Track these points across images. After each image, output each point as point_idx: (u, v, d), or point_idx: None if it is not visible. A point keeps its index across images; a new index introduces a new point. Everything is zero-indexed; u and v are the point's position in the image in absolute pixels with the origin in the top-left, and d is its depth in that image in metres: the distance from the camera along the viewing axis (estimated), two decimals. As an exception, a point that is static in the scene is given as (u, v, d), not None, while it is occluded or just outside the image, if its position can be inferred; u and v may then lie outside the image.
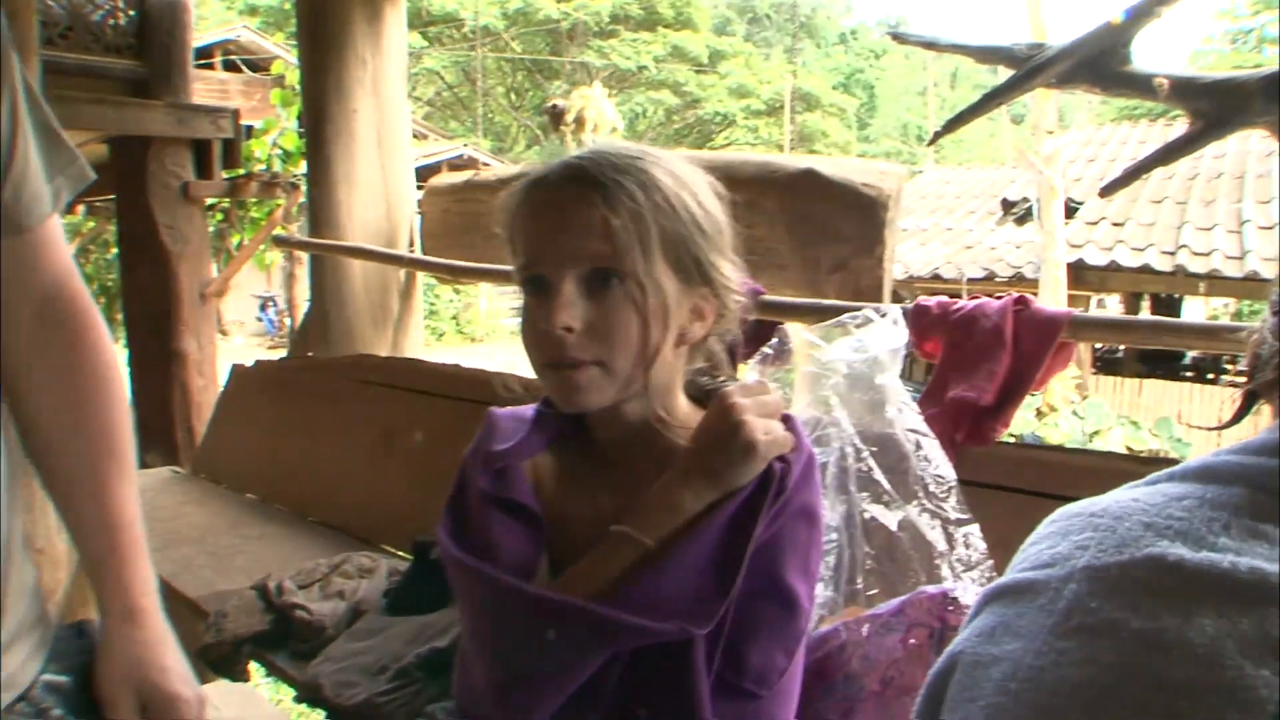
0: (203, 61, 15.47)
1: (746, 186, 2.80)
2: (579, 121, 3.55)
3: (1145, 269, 10.59)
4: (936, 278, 11.59)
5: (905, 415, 1.51)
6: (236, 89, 15.55)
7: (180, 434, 4.63)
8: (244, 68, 16.72)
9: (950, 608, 1.43)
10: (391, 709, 1.83)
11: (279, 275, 16.21)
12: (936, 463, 1.54)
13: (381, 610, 2.18)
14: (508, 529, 1.14)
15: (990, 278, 11.34)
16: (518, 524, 1.15)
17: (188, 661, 1.19)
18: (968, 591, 1.45)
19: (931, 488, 1.52)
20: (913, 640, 1.41)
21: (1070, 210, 11.45)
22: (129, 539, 1.16)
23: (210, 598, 2.51)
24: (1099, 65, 2.01)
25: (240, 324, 19.84)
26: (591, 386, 1.08)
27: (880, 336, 1.49)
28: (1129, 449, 8.91)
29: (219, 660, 2.21)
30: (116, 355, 1.24)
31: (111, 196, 5.04)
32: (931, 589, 1.46)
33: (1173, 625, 0.61)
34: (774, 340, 1.59)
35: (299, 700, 2.03)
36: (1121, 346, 13.50)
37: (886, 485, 1.46)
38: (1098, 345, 13.60)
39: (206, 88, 13.90)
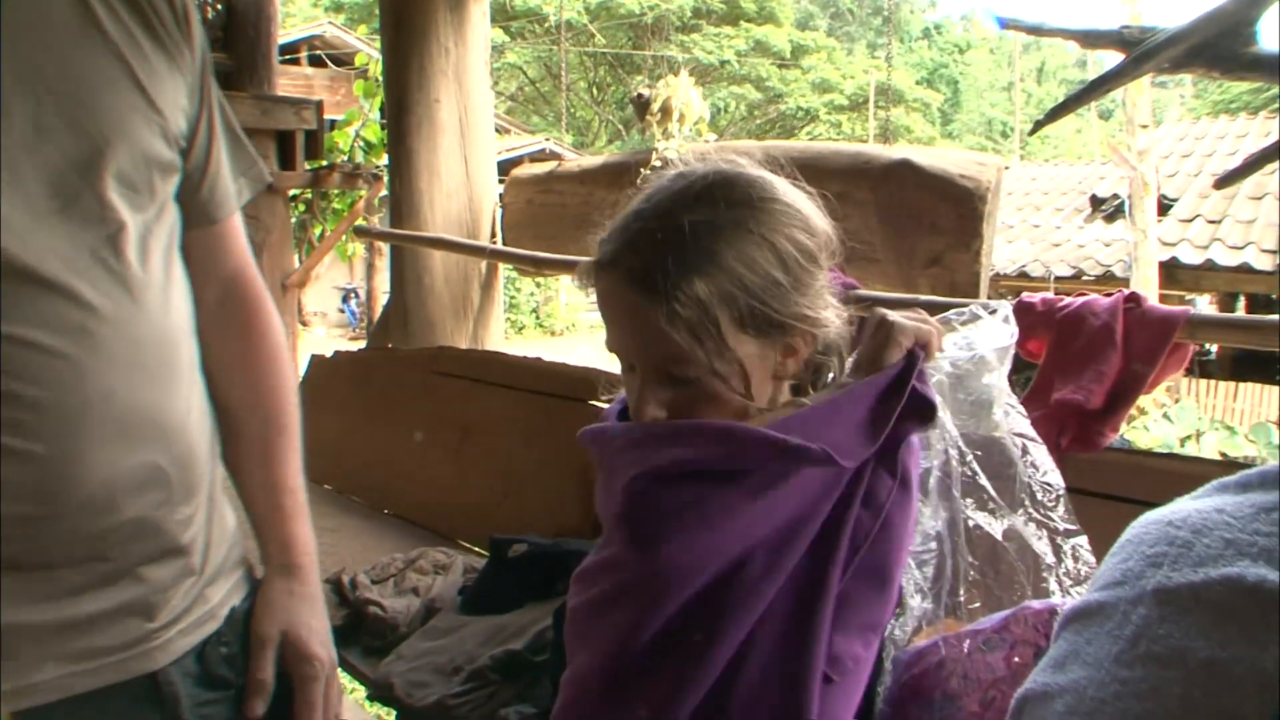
0: (288, 57, 15.66)
1: (839, 177, 2.71)
2: (665, 111, 3.45)
3: (1243, 268, 10.21)
4: (1023, 275, 11.31)
5: (1012, 418, 1.41)
6: (321, 84, 15.71)
7: (261, 423, 4.64)
8: (329, 63, 16.91)
9: (1057, 625, 1.34)
10: (464, 711, 1.79)
11: (362, 267, 16.37)
12: (1044, 469, 1.43)
13: (456, 609, 2.14)
14: None
15: (1078, 276, 11.02)
16: None
17: (330, 627, 1.30)
18: (1077, 608, 1.35)
19: (1039, 496, 1.42)
20: (1017, 659, 1.31)
21: (1163, 207, 11.09)
22: (293, 502, 1.29)
23: (285, 590, 2.49)
24: (1220, 48, 1.88)
25: (323, 315, 20.10)
26: None
27: (988, 334, 1.39)
28: (1223, 455, 8.61)
29: (292, 654, 2.18)
30: (285, 337, 1.37)
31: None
32: (1037, 604, 1.36)
33: (1246, 655, 0.55)
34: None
35: (371, 699, 2.00)
36: (1214, 348, 13.07)
37: (992, 492, 1.36)
38: (1190, 347, 13.16)
39: (292, 83, 14.05)
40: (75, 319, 1.02)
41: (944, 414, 1.31)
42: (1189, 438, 8.92)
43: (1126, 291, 1.82)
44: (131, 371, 1.07)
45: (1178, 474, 1.66)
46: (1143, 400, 9.30)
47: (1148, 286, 9.64)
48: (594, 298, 1.10)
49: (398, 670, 1.95)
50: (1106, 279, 10.61)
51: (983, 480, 1.36)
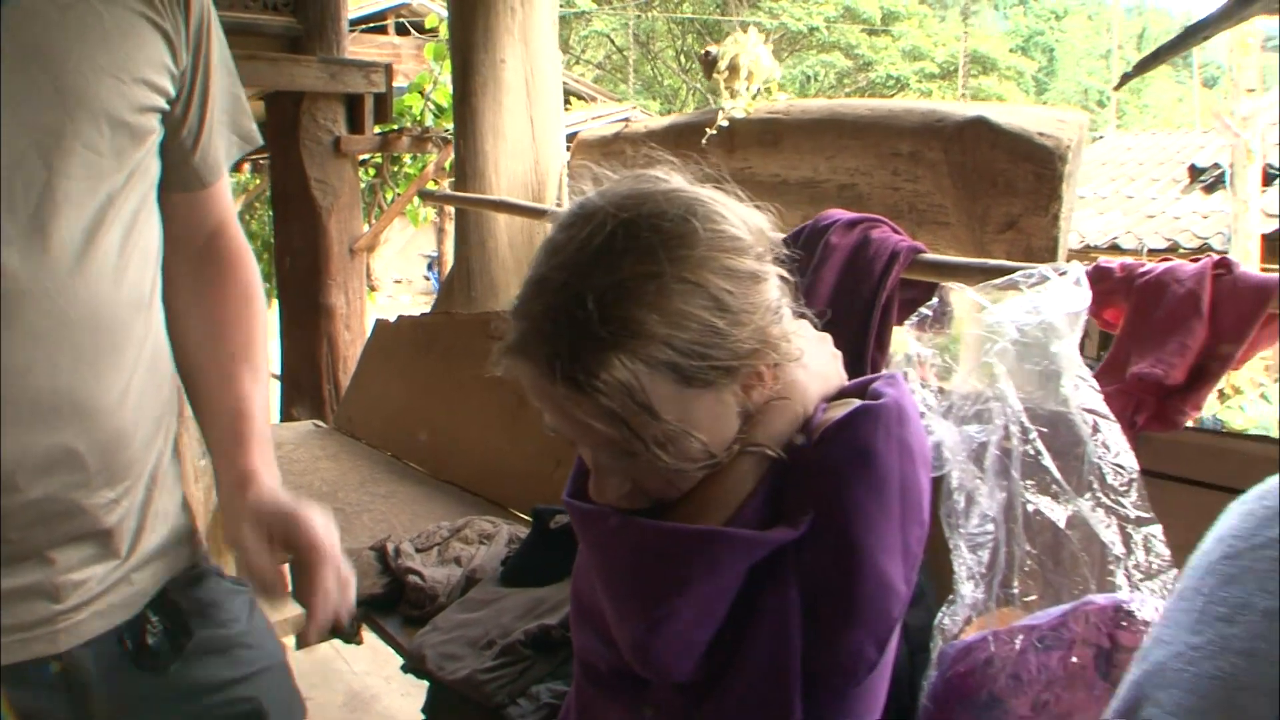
0: (374, 25, 15.72)
1: (910, 136, 2.58)
2: (732, 69, 3.31)
3: (1355, 243, 9.74)
4: (1115, 248, 10.92)
5: (1082, 392, 1.28)
6: (408, 52, 15.78)
7: (326, 388, 4.64)
8: (413, 31, 16.97)
9: (1123, 623, 1.21)
10: (494, 687, 1.72)
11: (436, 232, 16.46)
12: (1116, 450, 1.30)
13: (496, 580, 2.07)
14: None
15: (1173, 249, 10.60)
16: None
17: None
18: (1145, 604, 1.22)
19: (1109, 479, 1.29)
20: (1075, 659, 1.20)
21: (1269, 177, 10.62)
22: (252, 428, 1.23)
23: (331, 556, 2.46)
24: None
25: (409, 282, 20.27)
26: None
27: (1058, 298, 1.26)
28: (1326, 437, 8.22)
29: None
30: (261, 287, 1.36)
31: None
32: (1101, 599, 1.24)
33: None
34: (933, 301, 1.39)
35: (405, 669, 1.94)
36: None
37: (1056, 474, 1.24)
38: (1292, 324, 12.65)
39: (379, 51, 14.12)
40: None
41: (1006, 384, 1.19)
42: (1289, 419, 8.55)
43: (1215, 257, 1.66)
44: (55, 349, 1.02)
45: (1266, 457, 1.52)
46: (1238, 378, 8.96)
47: (1247, 260, 9.25)
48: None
49: (431, 642, 1.89)
50: (1203, 252, 10.19)
51: (1046, 460, 1.24)
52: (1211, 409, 8.89)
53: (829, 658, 0.95)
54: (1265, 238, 9.75)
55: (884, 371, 1.17)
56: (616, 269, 0.88)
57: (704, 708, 0.98)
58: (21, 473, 1.01)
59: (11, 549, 1.03)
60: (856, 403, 1.00)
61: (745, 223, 0.96)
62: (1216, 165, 11.87)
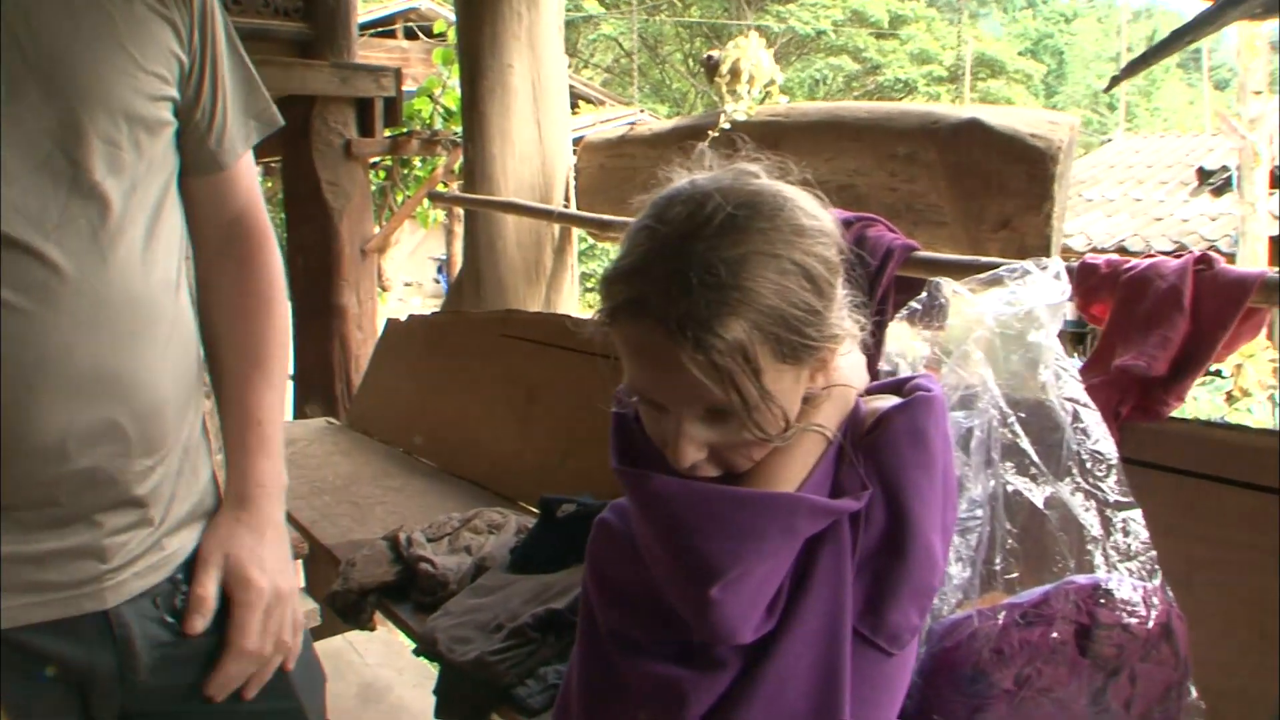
0: (384, 29, 15.84)
1: (906, 138, 2.64)
2: (734, 73, 3.39)
3: (1363, 244, 9.74)
4: (1122, 250, 10.94)
5: (1063, 381, 1.34)
6: (417, 56, 15.88)
7: (339, 387, 4.72)
8: (421, 35, 17.08)
9: (1102, 601, 1.27)
10: (503, 668, 1.78)
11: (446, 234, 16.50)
12: (1096, 437, 1.36)
13: (505, 567, 2.13)
14: None
15: (1180, 251, 10.62)
16: None
17: (288, 558, 1.32)
18: (1123, 584, 1.28)
19: (1088, 464, 1.35)
20: (1055, 635, 1.25)
21: (1277, 179, 10.63)
22: (257, 436, 1.32)
23: (344, 546, 2.53)
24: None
25: (419, 285, 20.33)
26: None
27: (1038, 291, 1.32)
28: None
29: (345, 608, 2.21)
30: (282, 278, 1.42)
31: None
32: (1081, 579, 1.30)
33: None
34: (923, 295, 1.45)
35: (417, 653, 2.01)
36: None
37: (1034, 456, 1.30)
38: (1301, 325, 12.67)
39: (388, 55, 14.24)
40: (38, 278, 1.06)
41: (985, 370, 1.26)
42: (1295, 420, 8.58)
43: (1198, 253, 1.72)
44: (94, 330, 1.10)
45: (1247, 446, 1.57)
46: (1247, 381, 8.97)
47: (1255, 263, 9.28)
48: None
49: (442, 625, 1.95)
50: (1210, 255, 10.19)
51: (1024, 444, 1.30)
52: (1220, 411, 8.92)
53: (878, 621, 1.04)
54: (1274, 240, 9.76)
55: (919, 372, 1.26)
56: (740, 244, 0.96)
57: (758, 668, 1.04)
58: (71, 443, 1.09)
59: (64, 513, 1.12)
60: (894, 399, 1.10)
61: (827, 221, 1.04)
62: (1225, 168, 11.88)
